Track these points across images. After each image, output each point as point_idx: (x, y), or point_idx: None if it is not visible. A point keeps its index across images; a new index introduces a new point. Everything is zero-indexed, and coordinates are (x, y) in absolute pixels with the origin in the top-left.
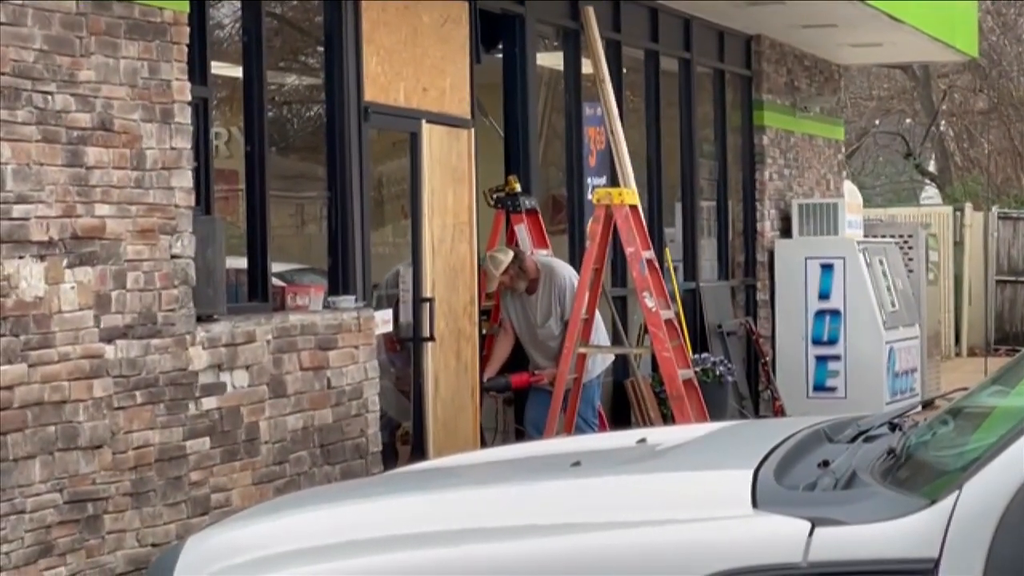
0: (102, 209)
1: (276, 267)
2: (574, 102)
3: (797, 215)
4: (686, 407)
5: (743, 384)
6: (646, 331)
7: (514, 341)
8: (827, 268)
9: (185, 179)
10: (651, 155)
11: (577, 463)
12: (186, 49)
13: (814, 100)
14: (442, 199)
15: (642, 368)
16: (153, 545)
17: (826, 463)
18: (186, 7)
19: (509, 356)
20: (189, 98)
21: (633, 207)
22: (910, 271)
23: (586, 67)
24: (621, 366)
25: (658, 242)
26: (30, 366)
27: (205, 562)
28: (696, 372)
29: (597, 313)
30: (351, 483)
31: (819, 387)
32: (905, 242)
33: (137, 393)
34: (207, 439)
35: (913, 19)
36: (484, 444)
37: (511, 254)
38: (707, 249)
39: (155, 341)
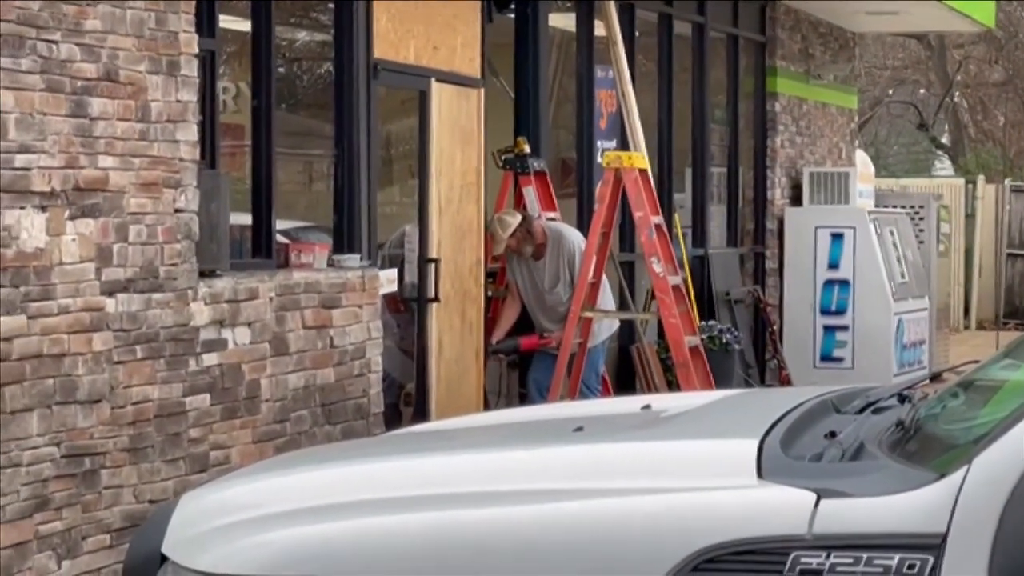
0: (105, 161)
1: (281, 224)
2: (586, 64)
3: (808, 183)
4: (692, 374)
5: (750, 352)
6: (653, 297)
7: (521, 305)
8: (837, 237)
9: (190, 132)
10: (662, 120)
11: (580, 429)
12: (194, 1)
13: (828, 68)
14: (450, 159)
15: (648, 334)
16: (150, 502)
17: (833, 434)
18: None
19: (516, 320)
20: (196, 51)
21: (643, 171)
22: (921, 243)
23: (599, 29)
24: (627, 332)
25: (667, 207)
26: (29, 318)
27: (198, 520)
28: (703, 339)
29: (604, 277)
30: (349, 444)
31: (826, 357)
32: (916, 213)
33: (137, 348)
34: (207, 396)
35: None
36: (487, 407)
37: (519, 217)
38: (717, 216)
39: (156, 295)
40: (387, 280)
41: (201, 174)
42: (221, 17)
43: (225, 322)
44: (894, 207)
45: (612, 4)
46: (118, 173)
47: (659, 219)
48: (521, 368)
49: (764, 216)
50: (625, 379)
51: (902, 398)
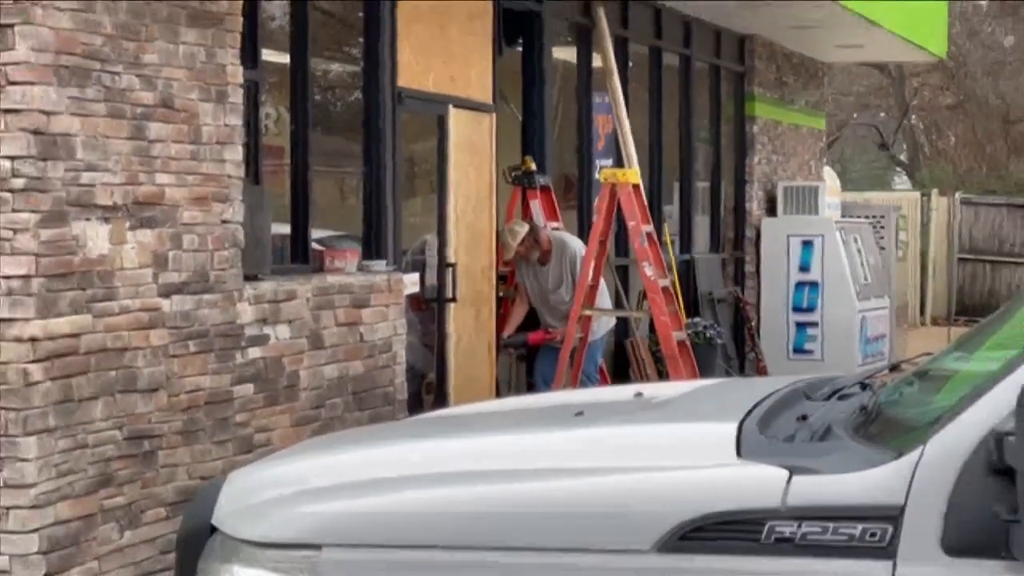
0: (162, 178)
1: (316, 233)
2: (585, 92)
3: (782, 196)
4: (679, 366)
5: (731, 346)
6: (645, 297)
7: (529, 305)
8: (807, 244)
9: (236, 153)
10: (653, 140)
11: (580, 413)
12: (239, 37)
13: (800, 94)
14: (465, 175)
15: (640, 330)
16: (202, 479)
17: (804, 418)
18: None
19: (524, 317)
20: (241, 81)
21: (636, 186)
22: (882, 248)
23: (596, 61)
24: (622, 328)
25: (657, 218)
26: (95, 317)
27: (246, 494)
28: (689, 334)
29: (602, 280)
30: (378, 427)
31: (798, 350)
32: (878, 223)
33: (190, 343)
34: (252, 385)
35: (888, 22)
36: (499, 394)
37: (527, 227)
38: (701, 225)
39: (207, 296)
40: (410, 283)
41: (246, 189)
42: (263, 51)
43: (267, 320)
44: (858, 217)
45: (608, 39)
46: (173, 189)
47: (650, 228)
48: (528, 360)
49: (743, 225)
50: (620, 370)
51: (864, 386)
